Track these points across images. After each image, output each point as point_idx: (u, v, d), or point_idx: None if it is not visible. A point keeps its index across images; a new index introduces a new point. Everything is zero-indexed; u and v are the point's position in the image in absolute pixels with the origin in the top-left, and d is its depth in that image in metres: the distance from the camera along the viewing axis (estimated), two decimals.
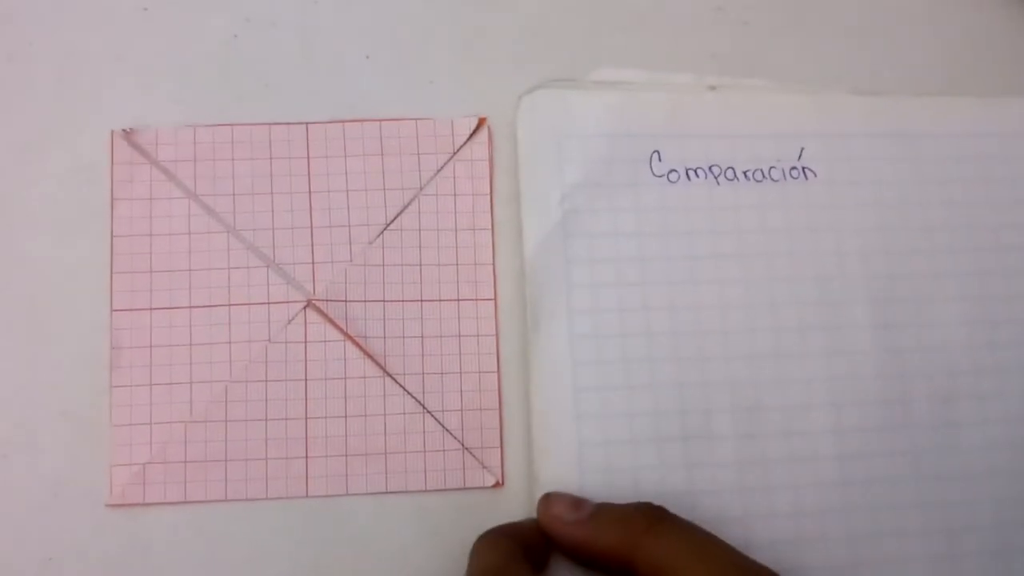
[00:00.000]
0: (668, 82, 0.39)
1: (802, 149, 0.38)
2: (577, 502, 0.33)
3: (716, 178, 0.38)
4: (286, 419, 0.35)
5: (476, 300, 0.37)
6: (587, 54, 0.39)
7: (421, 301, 0.37)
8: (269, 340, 0.36)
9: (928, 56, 0.41)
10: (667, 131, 0.38)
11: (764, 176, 0.38)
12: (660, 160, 0.38)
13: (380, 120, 0.38)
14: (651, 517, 0.31)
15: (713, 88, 0.39)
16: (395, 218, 0.37)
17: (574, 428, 0.35)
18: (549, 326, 0.36)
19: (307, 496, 0.35)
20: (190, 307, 0.36)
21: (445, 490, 0.35)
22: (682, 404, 0.36)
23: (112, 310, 0.36)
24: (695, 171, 0.38)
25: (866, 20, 0.41)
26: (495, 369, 0.36)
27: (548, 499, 0.34)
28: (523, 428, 0.36)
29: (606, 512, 0.32)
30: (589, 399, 0.35)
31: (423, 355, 0.36)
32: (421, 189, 0.38)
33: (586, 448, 0.35)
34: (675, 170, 0.38)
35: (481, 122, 0.38)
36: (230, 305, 0.36)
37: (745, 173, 0.38)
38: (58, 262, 0.36)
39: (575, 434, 0.35)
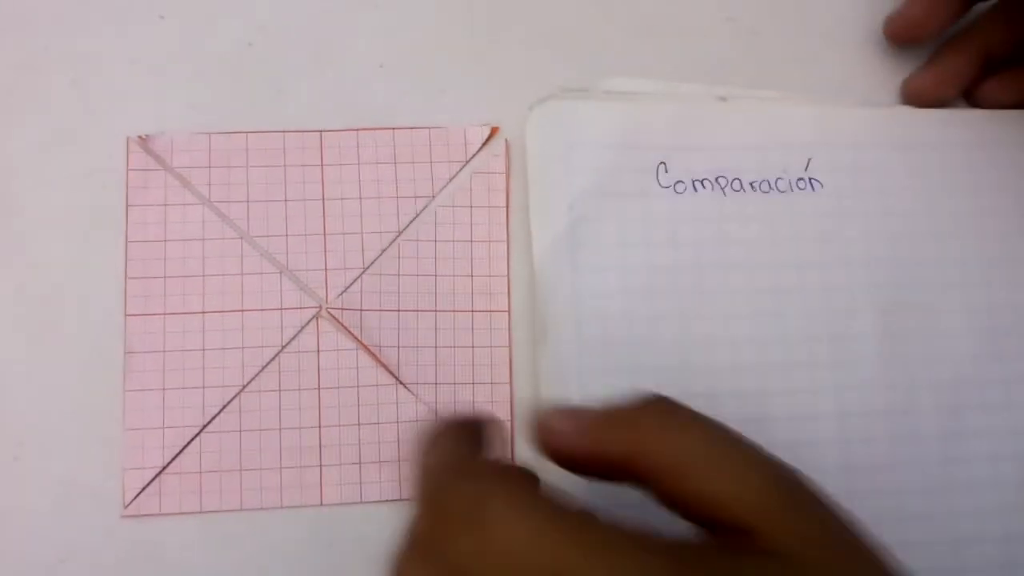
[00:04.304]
0: (679, 92, 0.39)
1: (809, 160, 0.39)
2: (575, 411, 0.28)
3: (723, 189, 0.38)
4: (300, 428, 0.36)
5: (490, 311, 0.37)
6: (599, 64, 0.39)
7: (435, 311, 0.37)
8: (282, 346, 0.36)
9: None
10: (674, 142, 0.38)
11: (771, 187, 0.38)
12: (667, 171, 0.38)
13: (393, 128, 0.38)
14: (662, 414, 0.27)
15: (723, 99, 0.39)
16: (408, 225, 0.38)
17: None
18: (557, 333, 0.36)
19: (321, 504, 0.35)
20: (203, 312, 0.36)
21: None
22: None
23: (126, 315, 0.36)
24: (701, 182, 0.38)
25: (874, 33, 0.41)
26: (508, 381, 0.37)
27: (546, 416, 0.29)
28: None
29: (609, 417, 0.28)
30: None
31: (436, 365, 0.37)
32: (433, 197, 0.38)
33: None
34: (681, 181, 0.38)
35: (494, 131, 0.39)
36: (243, 311, 0.37)
37: (752, 184, 0.38)
38: (73, 267, 0.36)
39: None
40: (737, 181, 0.38)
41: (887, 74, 0.41)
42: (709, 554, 0.24)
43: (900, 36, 0.40)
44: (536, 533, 0.23)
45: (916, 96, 0.40)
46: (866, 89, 0.40)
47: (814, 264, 0.38)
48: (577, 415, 0.28)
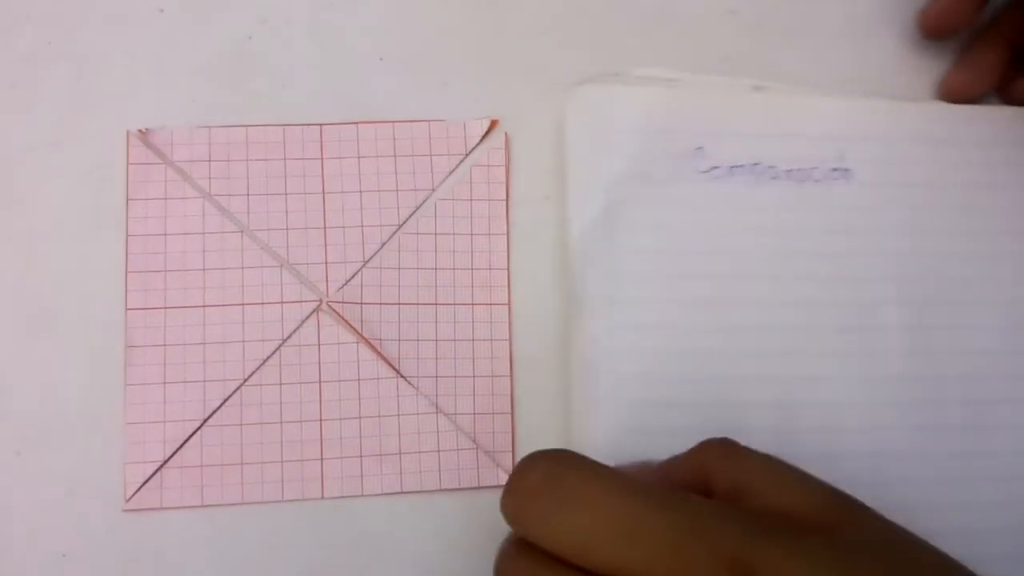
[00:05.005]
0: (711, 83, 0.39)
1: (844, 151, 0.39)
2: (644, 462, 0.33)
3: (758, 176, 0.38)
4: (301, 421, 0.36)
5: (490, 305, 0.37)
6: (601, 56, 0.39)
7: (436, 304, 0.37)
8: (282, 339, 0.36)
9: None
10: (711, 129, 0.38)
11: (806, 176, 0.38)
12: (704, 157, 0.38)
13: (393, 122, 0.38)
14: (724, 445, 0.30)
15: (758, 89, 0.39)
16: (408, 218, 0.38)
17: (612, 416, 0.36)
18: (590, 313, 0.36)
19: (322, 498, 0.35)
20: (204, 306, 0.36)
21: (459, 489, 0.36)
22: (718, 397, 0.36)
23: (126, 309, 0.36)
24: (738, 168, 0.38)
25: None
26: (508, 373, 0.37)
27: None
28: (535, 432, 0.37)
29: (676, 457, 0.31)
30: (627, 387, 0.36)
31: (437, 358, 0.37)
32: (434, 190, 0.38)
33: (623, 436, 0.36)
34: (718, 167, 0.38)
35: (493, 124, 0.38)
36: (244, 304, 0.37)
37: (788, 172, 0.38)
38: (73, 261, 0.36)
39: (614, 422, 0.36)
40: (772, 169, 0.38)
41: (917, 67, 0.40)
42: (778, 519, 0.27)
43: (934, 29, 0.40)
44: (613, 492, 0.25)
45: (953, 93, 0.40)
46: (897, 83, 0.40)
47: (845, 254, 0.38)
48: (646, 463, 0.32)
